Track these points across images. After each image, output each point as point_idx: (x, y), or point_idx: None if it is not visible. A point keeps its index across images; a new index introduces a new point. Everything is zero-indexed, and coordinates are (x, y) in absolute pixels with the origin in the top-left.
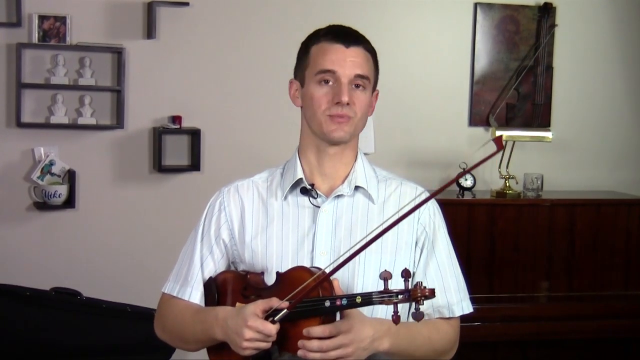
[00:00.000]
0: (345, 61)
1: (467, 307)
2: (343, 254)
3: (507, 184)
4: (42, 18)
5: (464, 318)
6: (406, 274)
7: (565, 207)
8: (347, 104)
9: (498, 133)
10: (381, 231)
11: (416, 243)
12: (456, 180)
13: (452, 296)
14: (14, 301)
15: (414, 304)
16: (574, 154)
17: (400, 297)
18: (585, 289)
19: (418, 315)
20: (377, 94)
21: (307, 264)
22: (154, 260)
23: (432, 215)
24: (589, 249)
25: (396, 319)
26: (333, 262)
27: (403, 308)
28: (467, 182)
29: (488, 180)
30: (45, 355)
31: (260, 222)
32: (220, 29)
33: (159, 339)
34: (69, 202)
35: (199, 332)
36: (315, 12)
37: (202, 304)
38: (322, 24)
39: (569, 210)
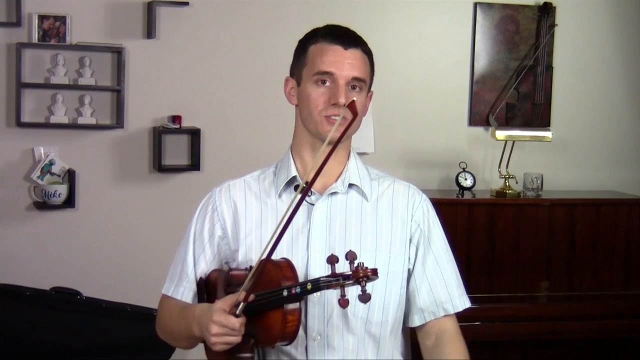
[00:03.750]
0: (343, 63)
1: (467, 301)
2: (272, 235)
3: (507, 184)
4: (42, 18)
5: (464, 317)
6: (350, 256)
7: (565, 207)
8: (344, 105)
9: (498, 133)
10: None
11: (410, 240)
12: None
13: (454, 290)
14: (14, 301)
15: (359, 286)
16: (574, 154)
17: (346, 280)
18: (585, 289)
19: (364, 297)
20: (372, 95)
21: (301, 261)
22: (153, 260)
23: (426, 213)
24: (589, 249)
25: (343, 302)
26: (268, 245)
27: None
28: (467, 181)
29: (488, 180)
30: (45, 355)
31: (254, 219)
32: (220, 29)
33: (158, 339)
34: (69, 202)
35: (183, 330)
36: (315, 12)
37: (195, 302)
38: (322, 24)
39: (569, 210)
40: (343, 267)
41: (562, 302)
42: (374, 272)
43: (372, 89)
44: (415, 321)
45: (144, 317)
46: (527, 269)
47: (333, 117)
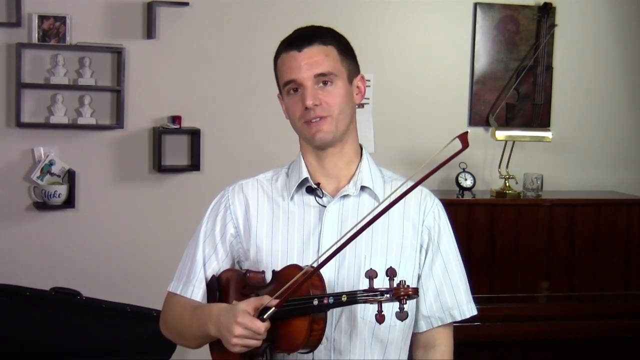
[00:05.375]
0: (300, 66)
1: (474, 309)
2: (328, 249)
3: (507, 184)
4: (42, 18)
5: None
6: (391, 273)
7: (565, 207)
8: (317, 105)
9: (498, 133)
10: (365, 224)
11: (421, 245)
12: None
13: (462, 296)
14: (14, 301)
15: (397, 303)
16: (573, 154)
17: (384, 296)
18: (585, 289)
19: (402, 315)
20: (362, 78)
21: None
22: (153, 260)
23: (437, 218)
24: (589, 249)
25: (380, 318)
26: (319, 257)
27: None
28: (467, 182)
29: (488, 180)
30: (45, 355)
31: (266, 220)
32: (220, 29)
33: (159, 339)
34: (69, 202)
35: (195, 328)
36: (315, 12)
37: (205, 302)
38: (322, 24)
39: (569, 210)
40: (382, 282)
41: (562, 302)
42: (415, 291)
43: (363, 75)
44: (422, 327)
45: (144, 317)
46: (527, 269)
47: (313, 121)
